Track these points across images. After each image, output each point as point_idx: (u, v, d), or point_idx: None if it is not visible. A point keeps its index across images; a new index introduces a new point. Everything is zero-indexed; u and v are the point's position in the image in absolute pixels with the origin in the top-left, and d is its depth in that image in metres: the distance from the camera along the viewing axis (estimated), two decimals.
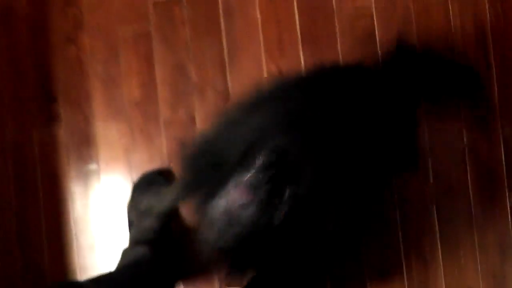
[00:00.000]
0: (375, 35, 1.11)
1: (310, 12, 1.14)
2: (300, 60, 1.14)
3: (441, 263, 1.07)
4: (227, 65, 1.14)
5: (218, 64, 1.14)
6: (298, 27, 1.14)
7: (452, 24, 1.09)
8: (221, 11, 1.15)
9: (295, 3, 1.15)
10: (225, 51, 1.14)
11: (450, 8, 1.10)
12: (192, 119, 1.13)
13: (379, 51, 1.08)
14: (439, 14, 1.10)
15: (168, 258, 1.03)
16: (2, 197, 1.20)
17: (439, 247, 1.06)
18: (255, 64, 1.14)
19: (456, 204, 1.07)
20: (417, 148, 0.79)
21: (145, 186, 1.11)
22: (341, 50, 1.12)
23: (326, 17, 1.13)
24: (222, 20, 1.15)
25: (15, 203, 1.19)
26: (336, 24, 1.13)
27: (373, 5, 1.11)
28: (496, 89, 1.07)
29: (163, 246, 1.04)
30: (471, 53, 1.08)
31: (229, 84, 1.14)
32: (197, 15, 1.16)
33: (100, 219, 1.17)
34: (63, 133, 1.18)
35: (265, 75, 1.14)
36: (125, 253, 1.03)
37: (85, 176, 1.17)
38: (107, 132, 1.16)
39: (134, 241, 1.06)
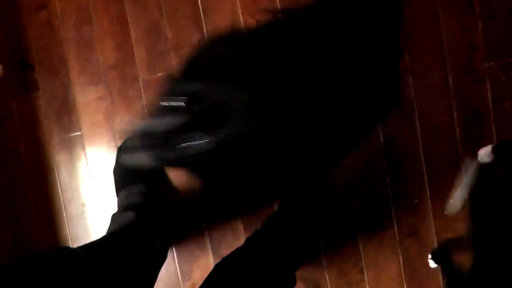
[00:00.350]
0: None
1: None
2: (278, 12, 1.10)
3: (430, 207, 1.07)
4: (203, 21, 1.11)
5: (193, 20, 1.11)
6: None
7: None
8: None
9: None
10: (200, 6, 1.10)
11: None
12: (172, 78, 1.10)
13: None
14: None
15: (156, 221, 1.02)
16: None
17: (427, 189, 1.06)
18: (231, 17, 1.10)
19: (443, 147, 1.06)
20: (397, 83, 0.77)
21: (129, 149, 1.10)
22: None
23: None
24: None
25: (0, 176, 1.19)
26: None
27: None
28: (480, 24, 1.04)
29: (151, 210, 1.03)
30: None
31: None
32: None
33: (88, 186, 1.16)
34: (42, 102, 1.16)
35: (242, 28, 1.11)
36: (114, 218, 1.03)
37: (69, 144, 1.16)
38: (86, 97, 1.13)
39: (122, 206, 1.05)
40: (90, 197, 1.17)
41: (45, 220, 1.18)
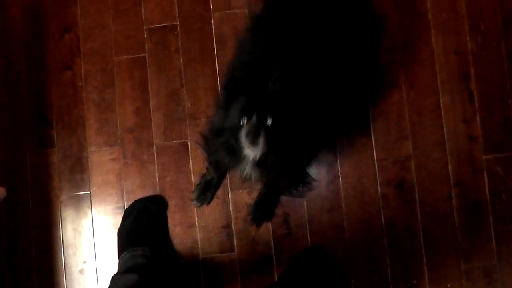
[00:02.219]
0: None
1: None
2: None
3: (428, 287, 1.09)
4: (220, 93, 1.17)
5: (211, 91, 1.17)
6: None
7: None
8: (214, 39, 1.19)
9: None
10: (218, 78, 1.17)
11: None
12: (185, 146, 1.15)
13: None
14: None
15: (159, 285, 1.03)
16: None
17: (426, 271, 1.08)
18: None
19: (442, 230, 1.10)
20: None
21: (136, 212, 1.12)
22: None
23: None
24: (215, 48, 1.18)
25: (5, 225, 1.19)
26: None
27: None
28: (479, 118, 1.11)
29: (154, 273, 1.04)
30: (455, 83, 1.13)
31: None
32: (191, 43, 1.19)
33: (90, 244, 1.17)
34: (56, 158, 1.19)
35: None
36: (115, 279, 1.03)
37: (77, 201, 1.18)
38: (100, 157, 1.17)
39: (125, 267, 1.06)
40: (91, 255, 1.17)
41: (45, 273, 1.18)
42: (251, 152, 0.79)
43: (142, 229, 1.11)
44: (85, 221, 1.18)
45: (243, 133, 0.75)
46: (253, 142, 0.74)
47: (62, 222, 1.18)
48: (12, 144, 1.21)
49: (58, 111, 1.20)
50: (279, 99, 0.76)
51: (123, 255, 1.09)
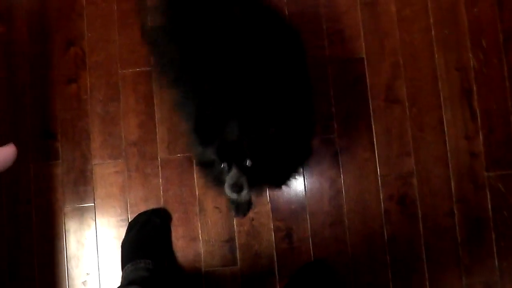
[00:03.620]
0: None
1: None
2: None
3: None
4: None
5: None
6: None
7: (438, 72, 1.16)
8: None
9: None
10: None
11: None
12: (189, 160, 1.16)
13: None
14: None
15: None
16: None
17: (428, 287, 1.09)
18: None
19: (444, 246, 1.10)
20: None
21: (140, 225, 1.12)
22: None
23: None
24: None
25: (7, 235, 1.20)
26: None
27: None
28: (481, 135, 1.12)
29: (156, 286, 1.04)
30: (457, 99, 1.14)
31: None
32: None
33: (93, 256, 1.17)
34: (60, 170, 1.20)
35: None
36: None
37: (80, 213, 1.18)
38: (104, 170, 1.18)
39: (128, 280, 1.06)
40: (94, 267, 1.17)
41: (47, 284, 1.18)
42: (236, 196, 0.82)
43: (145, 242, 1.11)
44: (89, 233, 1.18)
45: (227, 183, 0.79)
46: (239, 191, 0.78)
47: (66, 233, 1.19)
48: (16, 156, 1.21)
49: (63, 123, 1.21)
50: (248, 142, 0.78)
51: (126, 267, 1.10)
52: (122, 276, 1.10)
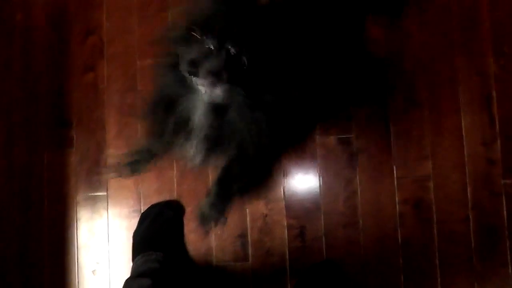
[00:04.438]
0: None
1: None
2: None
3: None
4: None
5: None
6: None
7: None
8: None
9: None
10: None
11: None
12: None
13: None
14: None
15: None
16: (6, 216, 1.20)
17: None
18: None
19: (458, 252, 1.09)
20: None
21: (152, 217, 1.12)
22: None
23: None
24: None
25: (19, 223, 1.20)
26: None
27: None
28: (499, 142, 1.11)
29: (167, 279, 1.04)
30: (476, 105, 1.13)
31: None
32: None
33: (104, 246, 1.17)
34: (74, 158, 1.19)
35: None
36: (128, 283, 1.03)
37: (93, 202, 1.18)
38: (119, 160, 1.17)
39: (138, 272, 1.06)
40: (104, 257, 1.17)
41: (57, 272, 1.18)
42: (208, 91, 0.65)
43: (157, 234, 1.11)
44: (100, 223, 1.18)
45: (202, 63, 0.63)
46: (213, 81, 0.62)
47: (77, 222, 1.19)
48: (30, 143, 1.21)
49: (78, 112, 1.21)
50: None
51: (137, 259, 1.09)
52: (132, 267, 1.10)
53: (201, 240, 1.14)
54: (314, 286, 1.08)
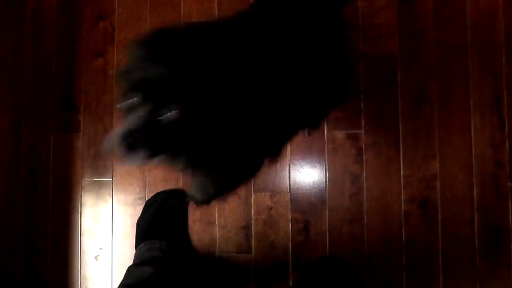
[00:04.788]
0: None
1: None
2: None
3: None
4: None
5: None
6: None
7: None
8: None
9: None
10: None
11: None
12: None
13: None
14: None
15: (174, 280, 1.03)
16: (11, 198, 1.20)
17: None
18: None
19: (461, 253, 1.09)
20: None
21: (157, 205, 1.12)
22: None
23: None
24: None
25: (23, 205, 1.20)
26: None
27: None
28: (507, 144, 1.11)
29: (170, 267, 1.04)
30: (486, 106, 1.12)
31: None
32: None
33: (108, 231, 1.17)
34: (81, 143, 1.19)
35: None
36: (131, 270, 1.03)
37: (98, 188, 1.18)
38: None
39: (141, 259, 1.06)
40: (107, 242, 1.17)
41: (60, 256, 1.18)
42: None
43: (161, 222, 1.11)
44: (105, 209, 1.18)
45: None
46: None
47: (82, 207, 1.19)
48: (37, 125, 1.21)
49: (87, 97, 1.20)
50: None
51: (140, 246, 1.09)
52: (135, 254, 1.10)
53: (205, 231, 1.14)
54: (317, 281, 1.08)
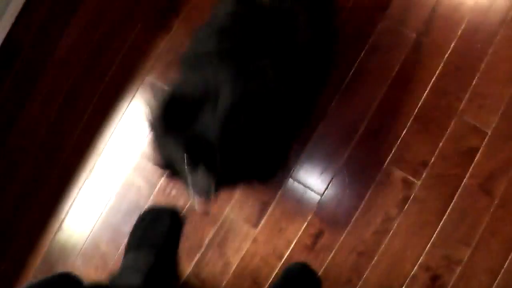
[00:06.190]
0: None
1: None
2: None
3: None
4: None
5: None
6: None
7: None
8: None
9: None
10: None
11: None
12: None
13: None
14: None
15: None
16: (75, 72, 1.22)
17: None
18: None
19: None
20: None
21: (150, 220, 1.10)
22: None
23: None
24: None
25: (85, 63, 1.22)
26: None
27: None
28: None
29: (155, 280, 1.00)
30: None
31: None
32: None
33: (143, 133, 1.17)
34: (164, 45, 1.18)
35: None
36: (115, 278, 1.00)
37: (155, 92, 1.18)
38: None
39: (127, 268, 1.04)
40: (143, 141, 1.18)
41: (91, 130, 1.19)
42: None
43: (152, 238, 1.08)
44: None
45: (191, 186, 0.69)
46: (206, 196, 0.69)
47: (132, 100, 1.19)
48: (130, 6, 1.21)
49: (190, 5, 1.19)
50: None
51: (128, 255, 1.08)
52: (122, 262, 1.08)
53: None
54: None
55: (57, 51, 1.22)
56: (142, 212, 1.12)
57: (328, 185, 1.09)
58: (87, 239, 1.17)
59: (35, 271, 1.18)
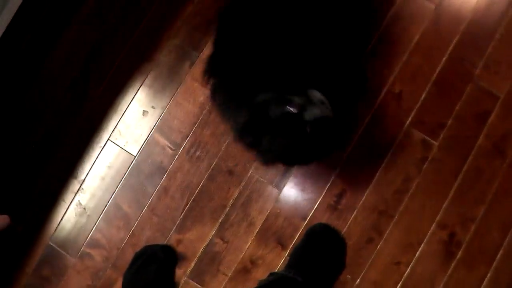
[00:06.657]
0: None
1: None
2: None
3: None
4: None
5: None
6: None
7: None
8: None
9: None
10: None
11: None
12: None
13: None
14: None
15: None
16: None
17: None
18: None
19: None
20: None
21: (145, 258, 1.11)
22: None
23: None
24: None
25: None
26: None
27: None
28: None
29: None
30: None
31: None
32: None
33: (166, 97, 1.18)
34: (191, 8, 1.19)
35: None
36: None
37: (180, 55, 1.18)
38: None
39: None
40: (162, 104, 1.18)
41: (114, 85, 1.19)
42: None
43: (145, 279, 1.10)
44: (175, 76, 1.18)
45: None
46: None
47: (156, 59, 1.19)
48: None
49: None
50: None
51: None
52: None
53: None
54: (314, 251, 1.08)
55: (84, 7, 1.22)
56: (136, 252, 1.13)
57: (352, 145, 1.13)
58: (109, 200, 1.16)
59: (53, 235, 1.16)
